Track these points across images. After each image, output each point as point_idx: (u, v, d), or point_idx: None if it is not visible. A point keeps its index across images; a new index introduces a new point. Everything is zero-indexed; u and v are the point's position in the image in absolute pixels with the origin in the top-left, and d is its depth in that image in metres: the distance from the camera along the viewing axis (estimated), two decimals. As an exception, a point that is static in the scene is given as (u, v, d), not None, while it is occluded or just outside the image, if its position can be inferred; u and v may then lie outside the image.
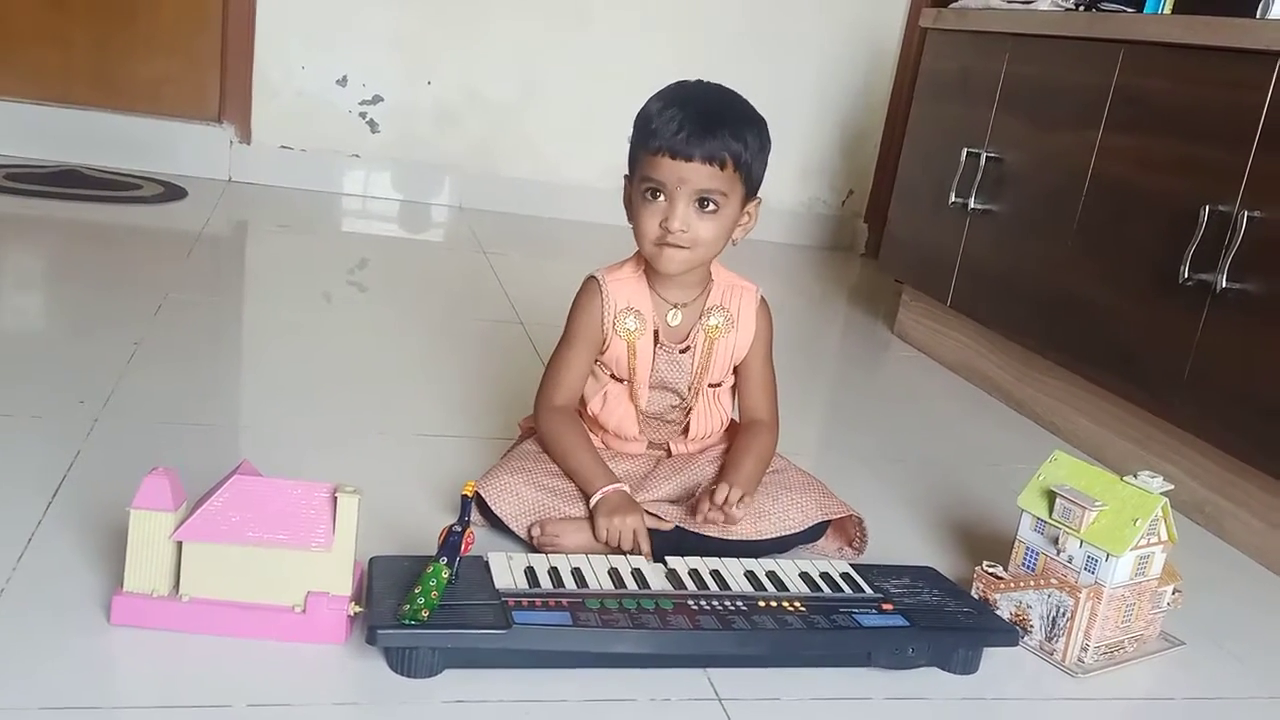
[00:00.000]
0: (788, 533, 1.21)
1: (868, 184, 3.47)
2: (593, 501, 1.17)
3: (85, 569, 1.01)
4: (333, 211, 2.96)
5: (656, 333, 1.24)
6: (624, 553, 1.13)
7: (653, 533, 1.17)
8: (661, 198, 1.16)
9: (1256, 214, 1.46)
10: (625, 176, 1.22)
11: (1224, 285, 1.49)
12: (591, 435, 1.29)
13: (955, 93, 2.26)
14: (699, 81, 1.20)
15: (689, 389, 1.26)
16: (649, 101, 1.18)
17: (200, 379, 1.58)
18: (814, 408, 1.96)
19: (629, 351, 1.23)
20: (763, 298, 1.29)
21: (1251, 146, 1.48)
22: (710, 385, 1.27)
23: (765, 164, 1.19)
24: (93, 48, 2.92)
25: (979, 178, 2.09)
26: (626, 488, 1.18)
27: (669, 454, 1.30)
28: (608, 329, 1.23)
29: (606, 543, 1.14)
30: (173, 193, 2.76)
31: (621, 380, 1.25)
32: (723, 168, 1.14)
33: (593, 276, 1.25)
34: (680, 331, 1.25)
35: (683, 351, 1.25)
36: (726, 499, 1.15)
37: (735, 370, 1.28)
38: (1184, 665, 1.16)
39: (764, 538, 1.19)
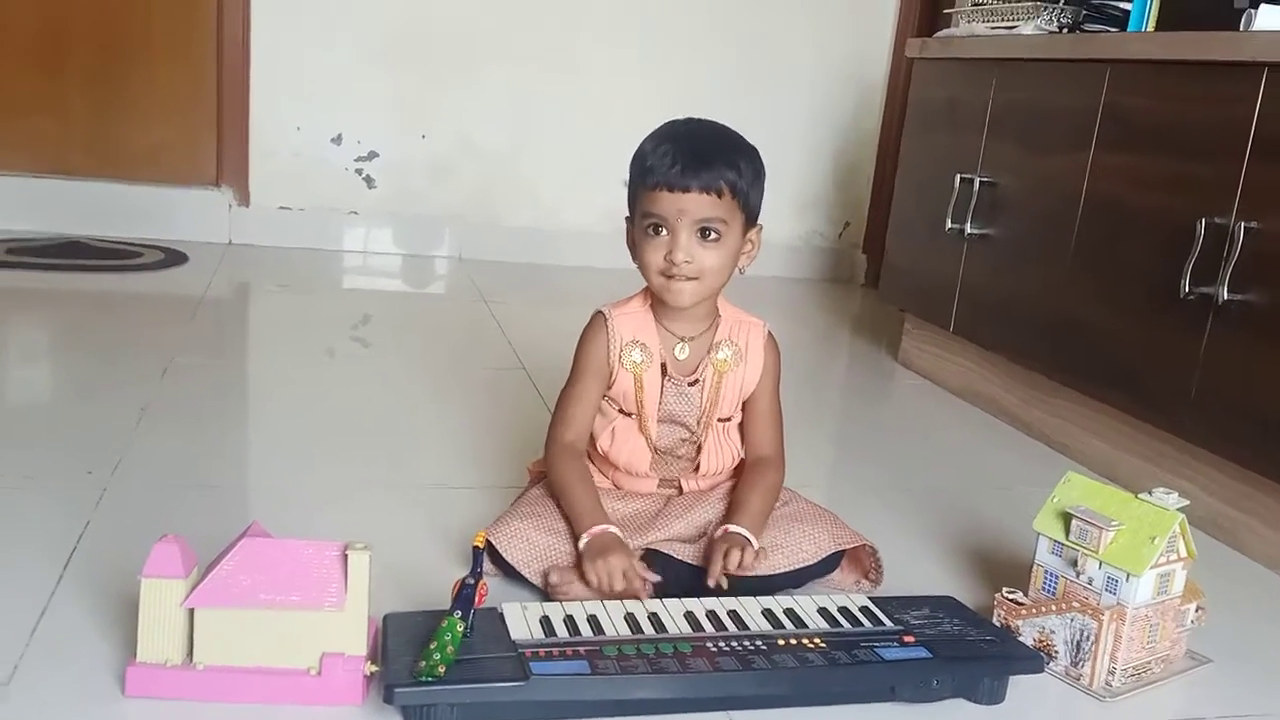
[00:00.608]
0: (801, 565, 1.20)
1: (864, 215, 3.48)
2: (581, 544, 1.15)
3: (99, 639, 1.00)
4: (333, 269, 2.97)
5: (664, 365, 1.24)
6: (617, 597, 1.09)
7: (664, 568, 1.15)
8: (664, 232, 1.17)
9: (1254, 225, 1.47)
10: (626, 218, 1.23)
11: (1225, 297, 1.49)
12: (602, 475, 1.29)
13: (944, 120, 2.28)
14: (689, 119, 1.23)
15: (698, 423, 1.25)
16: (643, 142, 1.20)
17: (208, 441, 1.58)
18: (822, 440, 1.95)
19: (636, 384, 1.23)
20: (770, 333, 1.29)
21: (1244, 158, 1.49)
22: (720, 420, 1.26)
23: (761, 191, 1.21)
24: (88, 118, 2.96)
25: (974, 203, 2.10)
26: (616, 530, 1.16)
27: (680, 491, 1.29)
28: (614, 362, 1.23)
29: (598, 588, 1.10)
30: (174, 258, 2.78)
31: (630, 414, 1.25)
32: (720, 196, 1.15)
33: (599, 311, 1.26)
34: (688, 365, 1.25)
35: (691, 385, 1.25)
36: (740, 564, 1.12)
37: (743, 406, 1.28)
38: (1213, 683, 1.14)
39: (777, 572, 1.19)
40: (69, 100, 2.94)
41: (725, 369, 1.25)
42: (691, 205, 1.15)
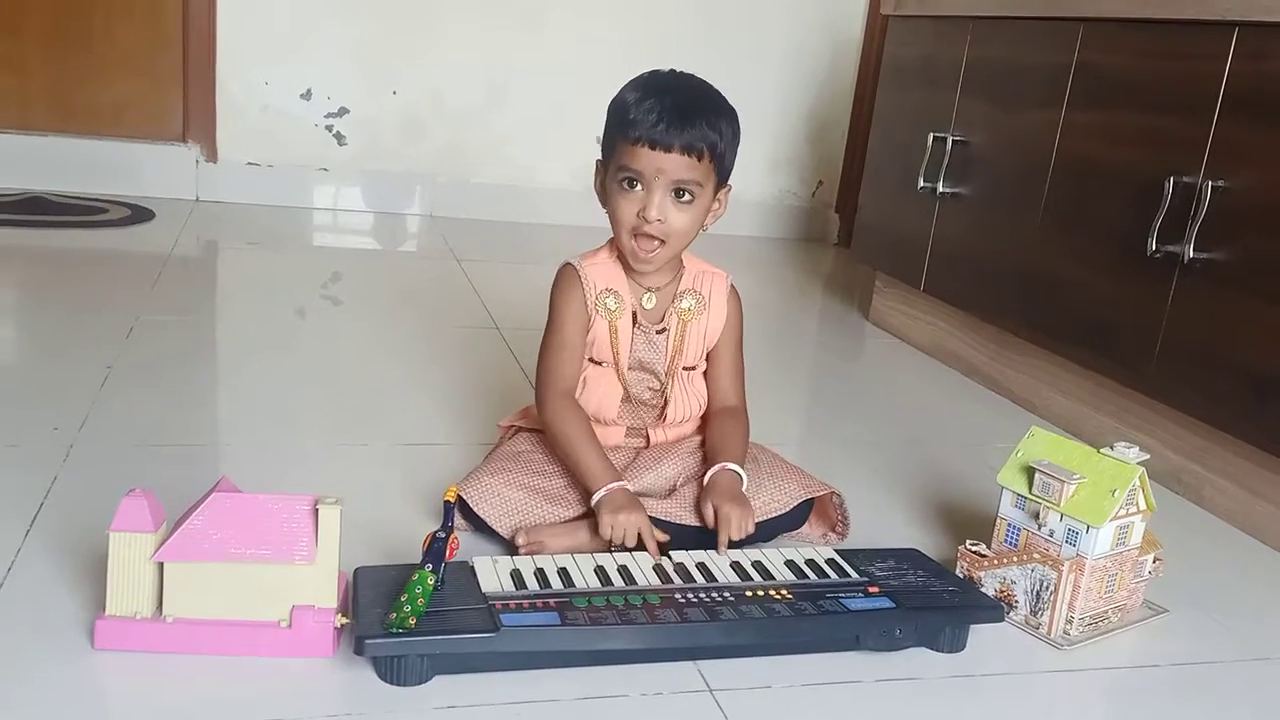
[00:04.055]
0: (772, 515, 1.22)
1: (837, 174, 3.48)
2: (595, 499, 1.15)
3: (67, 595, 1.00)
4: (303, 226, 2.94)
5: (634, 314, 1.25)
6: (627, 549, 1.11)
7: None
8: (639, 187, 1.17)
9: (1220, 183, 1.48)
10: (598, 162, 1.23)
11: (1191, 255, 1.50)
12: None
13: (919, 78, 2.27)
14: (672, 71, 1.22)
15: (665, 371, 1.27)
16: (625, 90, 1.19)
17: (175, 399, 1.57)
18: (794, 397, 1.96)
19: (610, 331, 1.24)
20: (733, 285, 1.30)
21: (1212, 116, 1.50)
22: (685, 369, 1.28)
23: (736, 153, 1.21)
24: (52, 73, 2.89)
25: (946, 161, 2.10)
26: (629, 485, 1.18)
27: (647, 442, 1.31)
28: (590, 309, 1.24)
29: (610, 541, 1.12)
30: (140, 215, 2.74)
31: (600, 363, 1.26)
32: (700, 159, 1.16)
33: (569, 263, 1.27)
34: (655, 314, 1.27)
35: (659, 332, 1.26)
36: (744, 531, 1.15)
37: (707, 356, 1.30)
38: (1168, 632, 1.17)
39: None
40: (30, 54, 2.87)
41: (689, 317, 1.27)
42: (670, 165, 1.15)
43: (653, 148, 1.14)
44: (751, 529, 1.16)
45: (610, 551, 1.11)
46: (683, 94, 1.17)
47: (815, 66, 3.36)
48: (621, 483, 1.17)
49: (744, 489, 1.20)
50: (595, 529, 1.14)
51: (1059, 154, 1.82)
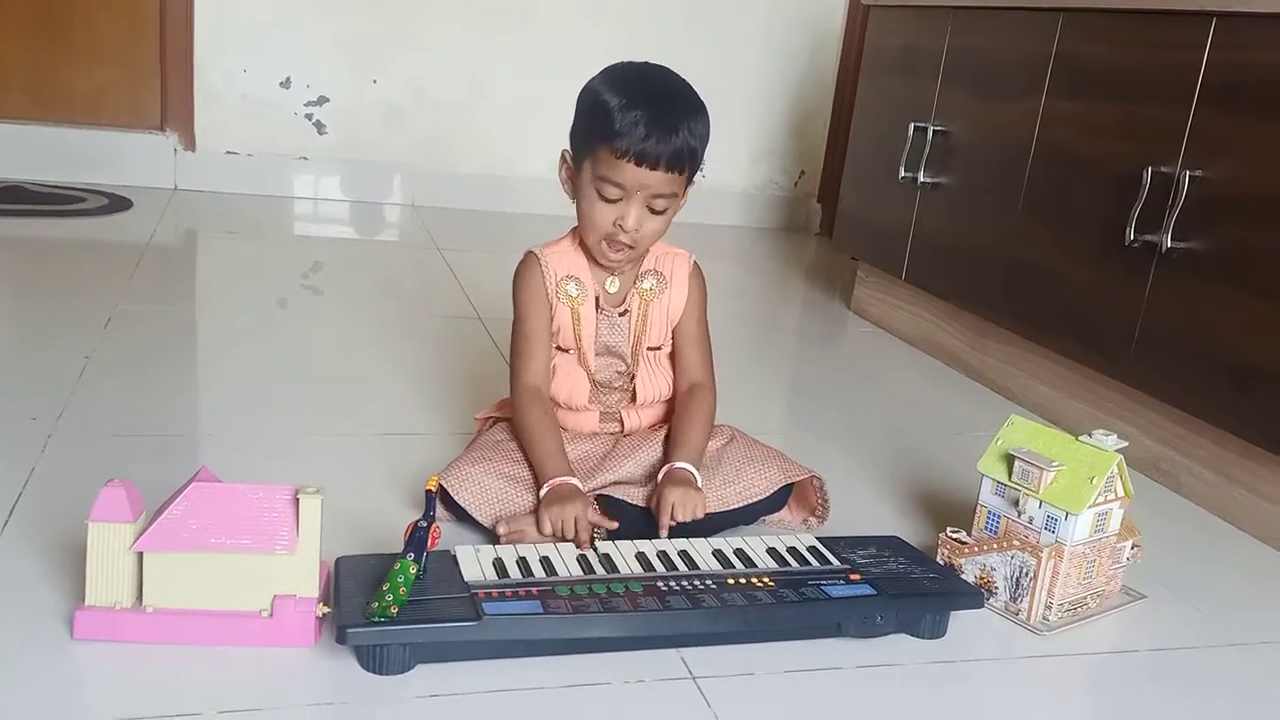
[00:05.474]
0: (754, 500, 1.23)
1: (819, 164, 3.49)
2: (541, 493, 1.16)
3: (45, 585, 0.99)
4: (283, 215, 2.92)
5: (597, 298, 1.26)
6: (570, 541, 1.11)
7: (619, 513, 1.17)
8: (618, 197, 1.17)
9: (1198, 173, 1.49)
10: (565, 153, 1.23)
11: (1169, 245, 1.52)
12: None
13: (900, 68, 2.28)
14: (646, 65, 1.21)
15: (631, 353, 1.27)
16: (601, 89, 1.17)
17: (154, 389, 1.56)
18: (776, 386, 1.97)
19: (573, 317, 1.25)
20: (695, 264, 1.31)
21: (1190, 107, 1.51)
22: (650, 349, 1.29)
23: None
24: (28, 61, 2.86)
25: (927, 151, 2.11)
26: (575, 481, 1.17)
27: (622, 427, 1.31)
28: (552, 296, 1.24)
29: (552, 534, 1.12)
30: (118, 204, 2.71)
31: (567, 350, 1.26)
32: (681, 173, 1.16)
33: (530, 252, 1.28)
34: (618, 297, 1.28)
35: (621, 315, 1.27)
36: (687, 514, 1.15)
37: (672, 334, 1.30)
38: (1146, 618, 1.18)
39: (730, 507, 1.21)
40: (7, 42, 2.84)
41: (650, 297, 1.28)
42: (654, 180, 1.15)
43: (639, 163, 1.14)
44: (701, 514, 1.15)
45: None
46: (664, 98, 1.16)
47: (796, 57, 3.36)
48: (565, 477, 1.16)
49: (699, 485, 1.19)
50: None
51: (1039, 144, 1.83)
